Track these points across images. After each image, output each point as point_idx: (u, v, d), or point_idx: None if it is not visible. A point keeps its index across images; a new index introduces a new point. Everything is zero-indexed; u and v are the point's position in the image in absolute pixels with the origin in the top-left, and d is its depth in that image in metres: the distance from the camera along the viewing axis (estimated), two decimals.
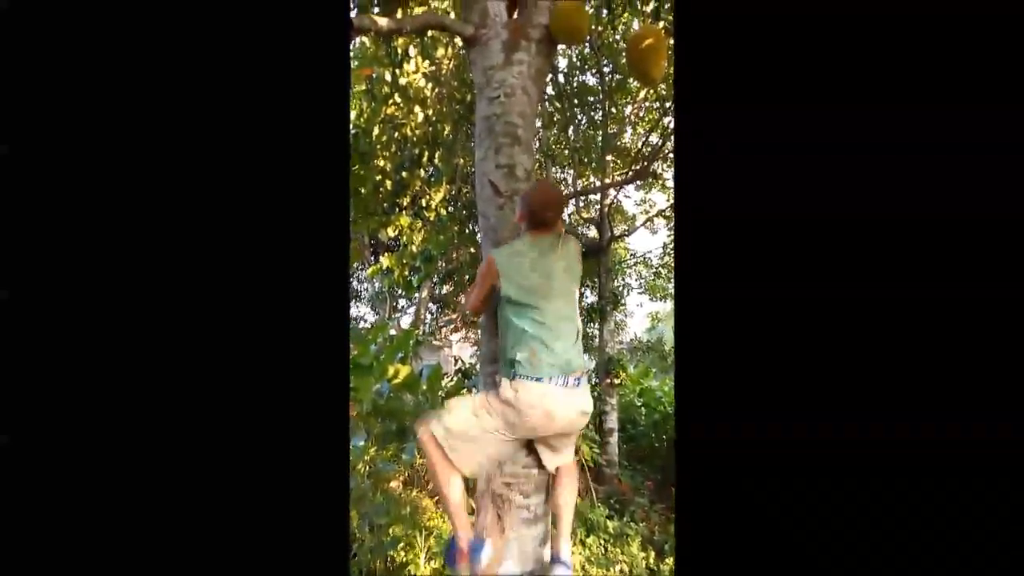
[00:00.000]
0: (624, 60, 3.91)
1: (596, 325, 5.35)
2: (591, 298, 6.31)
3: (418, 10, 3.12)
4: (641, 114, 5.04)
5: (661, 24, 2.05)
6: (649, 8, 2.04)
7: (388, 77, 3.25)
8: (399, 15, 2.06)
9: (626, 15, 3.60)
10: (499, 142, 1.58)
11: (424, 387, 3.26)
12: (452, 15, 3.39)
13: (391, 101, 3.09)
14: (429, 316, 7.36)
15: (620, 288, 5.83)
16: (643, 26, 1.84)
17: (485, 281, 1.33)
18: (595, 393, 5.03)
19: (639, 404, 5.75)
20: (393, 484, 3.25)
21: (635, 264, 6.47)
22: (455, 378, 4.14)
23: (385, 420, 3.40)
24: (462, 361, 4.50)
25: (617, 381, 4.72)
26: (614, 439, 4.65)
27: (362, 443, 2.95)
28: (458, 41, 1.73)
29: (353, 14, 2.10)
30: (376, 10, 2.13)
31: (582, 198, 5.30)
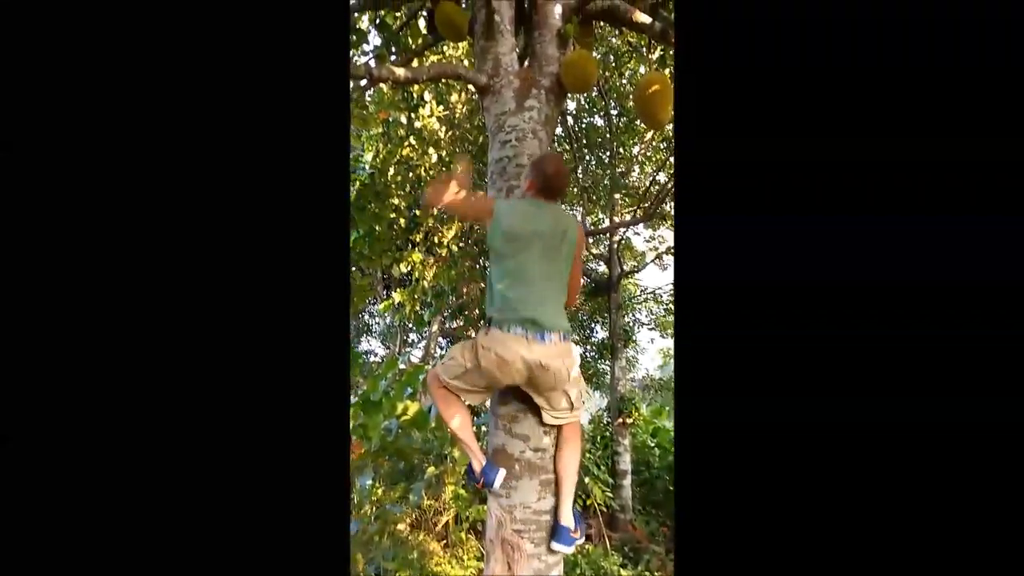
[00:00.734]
0: (631, 103, 4.04)
1: (607, 362, 5.28)
2: (601, 334, 6.26)
3: (433, 58, 3.29)
4: (648, 153, 5.16)
5: (667, 71, 2.13)
6: (655, 56, 2.13)
7: (404, 120, 3.40)
8: (415, 64, 2.17)
9: (632, 61, 3.76)
10: (511, 184, 1.63)
11: (433, 425, 3.22)
12: (466, 62, 3.58)
13: (406, 143, 3.22)
14: (439, 350, 7.34)
15: (631, 324, 5.79)
16: (650, 73, 1.92)
17: (474, 204, 1.36)
18: (607, 433, 4.90)
19: (652, 445, 5.58)
20: (400, 527, 3.15)
21: (645, 300, 6.45)
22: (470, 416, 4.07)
23: (393, 458, 3.33)
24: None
25: (629, 421, 4.61)
26: (627, 482, 4.49)
27: (369, 483, 2.89)
28: (471, 87, 1.83)
29: (372, 63, 2.22)
30: (393, 57, 2.25)
31: (590, 228, 5.36)
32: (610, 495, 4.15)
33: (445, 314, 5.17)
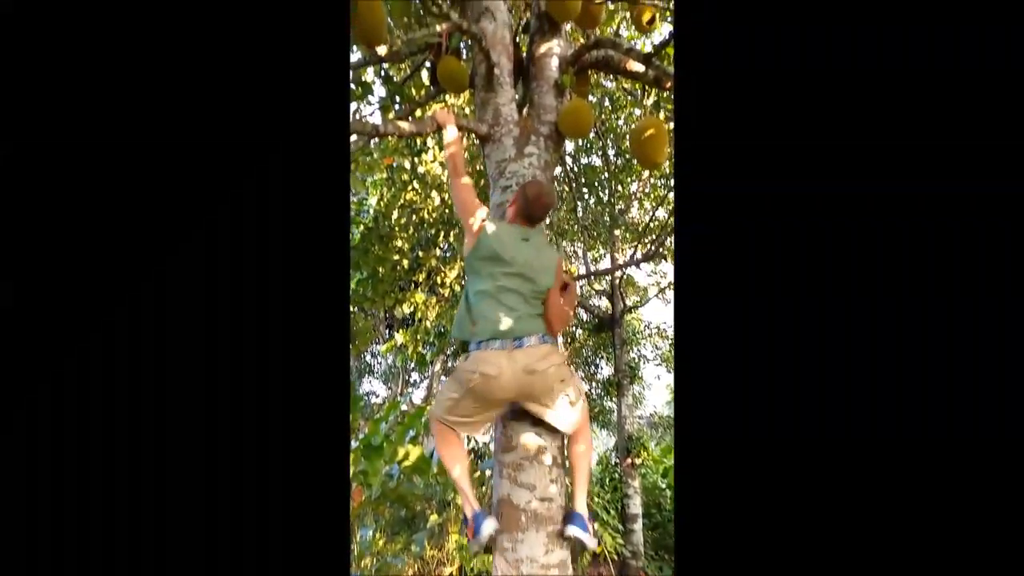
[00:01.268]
0: (627, 144, 4.16)
1: (613, 400, 5.18)
2: (607, 371, 6.18)
3: (436, 106, 3.42)
4: (647, 190, 5.26)
5: (661, 114, 2.20)
6: (649, 101, 2.21)
7: (407, 165, 3.50)
8: (419, 115, 2.25)
9: (628, 104, 3.90)
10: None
11: (435, 471, 3.13)
12: (467, 110, 3.71)
13: (410, 187, 3.29)
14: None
15: (636, 360, 5.71)
16: (645, 118, 1.98)
17: (469, 203, 1.42)
18: (616, 475, 4.74)
19: (664, 486, 5.38)
20: None
21: (650, 335, 6.39)
22: (469, 458, 3.96)
23: (394, 505, 3.22)
24: (474, 440, 4.34)
25: (638, 461, 4.47)
26: (638, 526, 4.30)
27: (370, 534, 2.77)
28: (473, 135, 1.91)
29: (378, 118, 2.29)
30: (397, 106, 2.34)
31: (593, 270, 5.38)
32: (620, 541, 3.97)
33: (448, 353, 5.14)
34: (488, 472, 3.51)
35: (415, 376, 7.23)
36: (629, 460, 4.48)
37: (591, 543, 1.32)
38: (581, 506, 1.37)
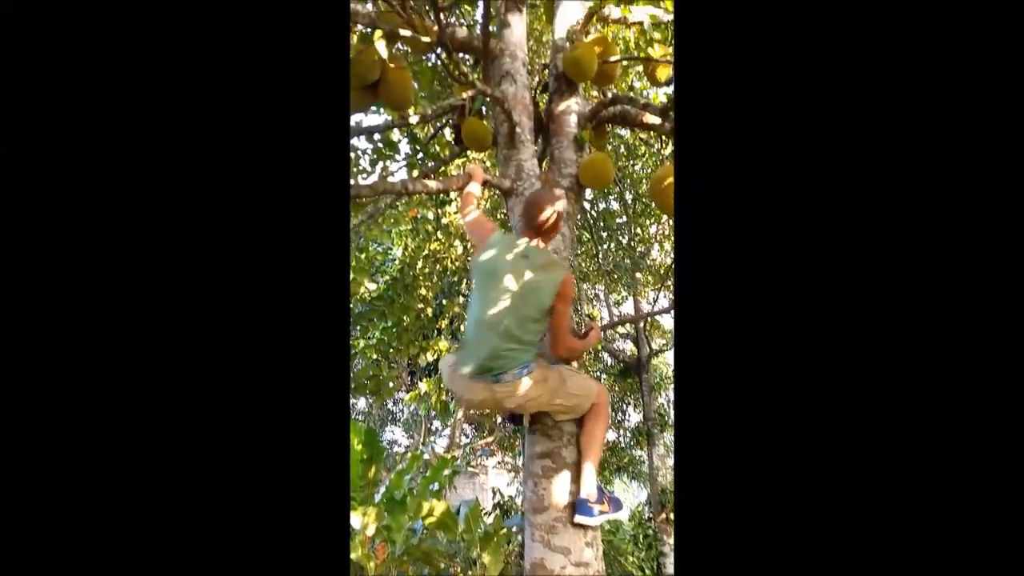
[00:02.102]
0: (644, 188, 4.23)
1: (643, 450, 4.96)
2: (635, 418, 5.97)
3: (458, 161, 3.57)
4: (666, 232, 5.27)
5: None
6: (667, 151, 2.26)
7: (431, 215, 3.62)
8: (444, 171, 2.36)
9: (645, 152, 3.99)
10: None
11: (462, 528, 3.00)
12: (488, 163, 3.86)
13: (433, 238, 3.38)
14: (464, 438, 7.06)
15: (665, 407, 5.51)
16: (663, 166, 2.02)
17: (483, 226, 1.46)
18: (650, 530, 4.46)
19: None
20: None
21: None
22: (494, 514, 3.81)
23: (418, 563, 3.08)
24: (500, 493, 4.18)
25: (672, 516, 4.21)
26: None
27: None
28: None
29: (402, 172, 2.40)
30: (420, 156, 2.44)
31: (616, 315, 5.33)
32: None
33: None
34: (515, 529, 3.35)
35: (436, 423, 7.12)
36: (663, 515, 4.23)
37: (595, 523, 1.31)
38: (587, 490, 1.34)
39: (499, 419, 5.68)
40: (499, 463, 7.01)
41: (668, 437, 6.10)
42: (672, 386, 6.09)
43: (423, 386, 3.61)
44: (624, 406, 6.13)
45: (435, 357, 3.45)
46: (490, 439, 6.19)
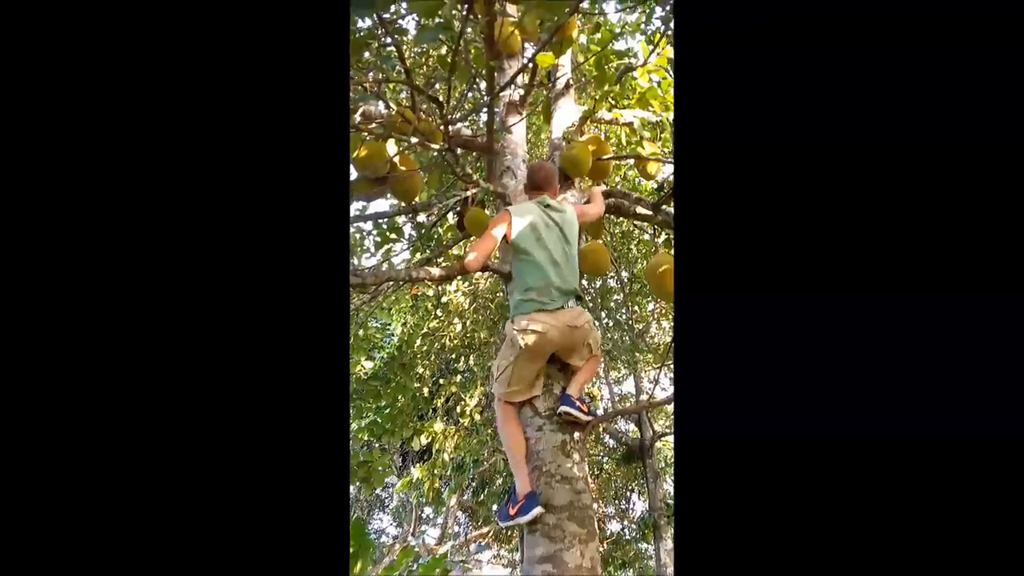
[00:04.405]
0: (640, 267, 4.34)
1: (650, 543, 4.59)
2: (640, 506, 5.59)
3: (455, 250, 3.70)
4: (663, 310, 5.32)
5: (673, 251, 2.32)
6: (661, 240, 2.35)
7: (431, 293, 3.67)
8: (444, 262, 2.43)
9: (639, 236, 4.15)
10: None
11: None
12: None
13: (433, 316, 3.40)
14: (457, 527, 6.55)
15: (672, 495, 5.19)
16: (659, 254, 2.08)
17: (495, 226, 1.60)
18: None
19: None
20: None
21: None
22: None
23: None
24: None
25: None
26: None
27: None
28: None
29: (405, 255, 2.47)
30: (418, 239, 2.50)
31: (617, 394, 5.21)
32: None
33: (465, 487, 4.77)
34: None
35: (428, 511, 6.64)
36: None
37: (583, 417, 1.49)
38: (573, 391, 1.54)
39: (495, 507, 5.31)
40: (495, 556, 6.45)
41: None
42: None
43: (416, 472, 3.42)
44: (628, 493, 5.77)
45: (428, 440, 3.31)
46: (485, 530, 5.74)
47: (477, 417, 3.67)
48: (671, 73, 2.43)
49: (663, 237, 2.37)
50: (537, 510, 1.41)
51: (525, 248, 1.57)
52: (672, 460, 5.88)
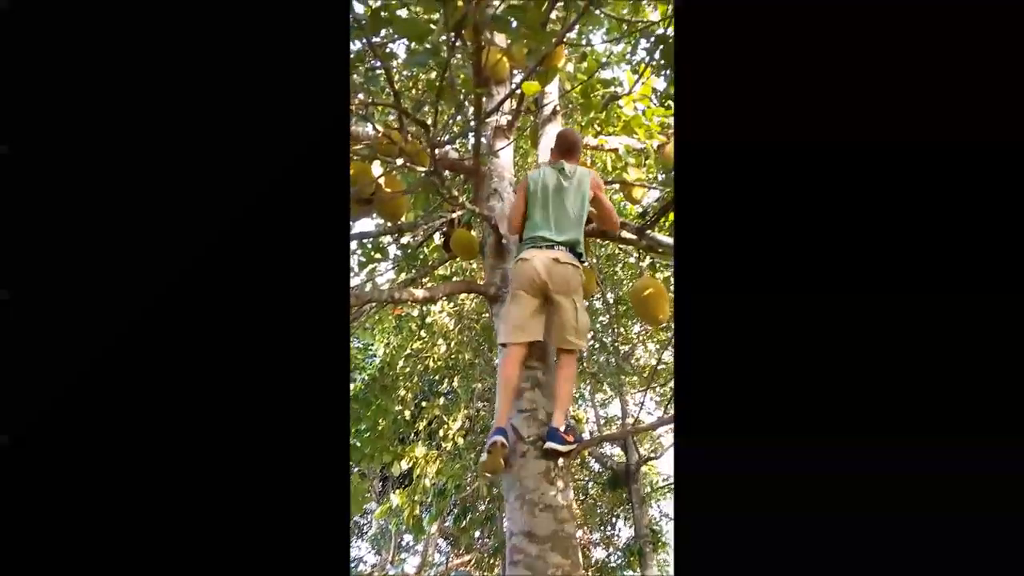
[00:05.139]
0: (625, 290, 4.37)
1: (636, 569, 4.49)
2: (626, 532, 5.49)
3: (445, 264, 3.68)
4: (649, 333, 5.34)
5: (658, 275, 2.34)
6: (646, 263, 2.37)
7: (415, 313, 3.62)
8: (430, 280, 2.41)
9: (624, 258, 4.20)
10: (521, 387, 1.62)
11: None
12: (475, 265, 3.99)
13: (416, 336, 3.35)
14: (438, 555, 6.32)
15: (657, 520, 5.12)
16: (643, 278, 2.10)
17: (520, 187, 1.82)
18: None
19: None
20: None
21: (671, 491, 5.83)
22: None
23: None
24: None
25: None
26: None
27: None
28: None
29: (390, 274, 2.44)
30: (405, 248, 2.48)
31: (603, 416, 5.17)
32: None
33: (446, 513, 4.63)
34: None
35: (408, 538, 6.41)
36: None
37: (566, 449, 1.51)
38: (557, 421, 1.56)
39: (476, 534, 5.15)
40: None
41: (663, 556, 5.56)
42: (663, 499, 5.71)
43: (395, 498, 3.31)
44: (613, 519, 5.67)
45: (409, 466, 3.22)
46: (467, 558, 5.56)
47: (460, 441, 3.59)
48: (656, 102, 2.49)
49: (648, 261, 2.39)
50: (495, 439, 1.49)
51: (532, 204, 1.78)
52: (658, 485, 5.81)
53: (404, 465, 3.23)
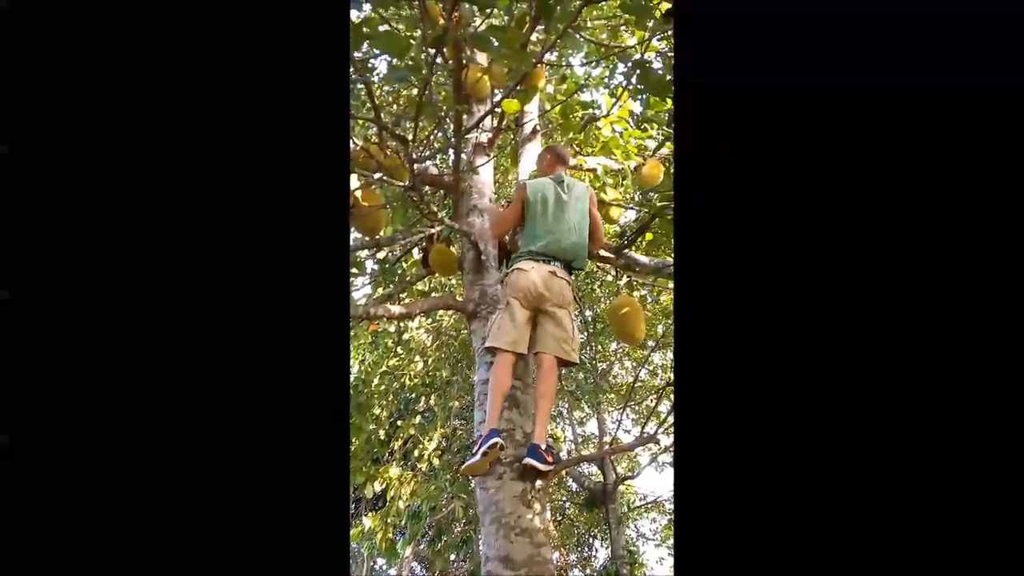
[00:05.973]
0: (602, 307, 4.40)
1: None
2: (603, 554, 5.42)
3: (424, 281, 3.64)
4: (627, 350, 5.37)
5: (636, 294, 2.36)
6: (623, 282, 2.39)
7: (392, 328, 3.55)
8: (408, 296, 2.38)
9: (605, 283, 4.23)
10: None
11: None
12: (454, 281, 3.96)
13: (393, 353, 3.28)
14: None
15: (634, 540, 5.07)
16: (620, 296, 2.11)
17: (516, 198, 1.81)
18: None
19: None
20: None
21: (647, 509, 5.80)
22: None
23: None
24: None
25: None
26: None
27: None
28: None
29: (367, 288, 2.39)
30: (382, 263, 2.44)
31: (580, 435, 5.14)
32: None
33: (420, 536, 4.49)
34: None
35: (381, 561, 6.17)
36: None
37: (545, 469, 1.48)
38: (539, 437, 1.54)
39: (452, 558, 5.00)
40: None
41: None
42: (640, 519, 5.67)
43: (368, 521, 3.19)
44: (590, 539, 5.60)
45: (383, 487, 3.12)
46: None
47: (436, 461, 3.50)
48: (633, 125, 2.55)
49: (625, 279, 2.42)
50: (494, 440, 1.45)
51: (530, 215, 1.78)
52: (635, 505, 5.78)
53: (377, 486, 3.12)
